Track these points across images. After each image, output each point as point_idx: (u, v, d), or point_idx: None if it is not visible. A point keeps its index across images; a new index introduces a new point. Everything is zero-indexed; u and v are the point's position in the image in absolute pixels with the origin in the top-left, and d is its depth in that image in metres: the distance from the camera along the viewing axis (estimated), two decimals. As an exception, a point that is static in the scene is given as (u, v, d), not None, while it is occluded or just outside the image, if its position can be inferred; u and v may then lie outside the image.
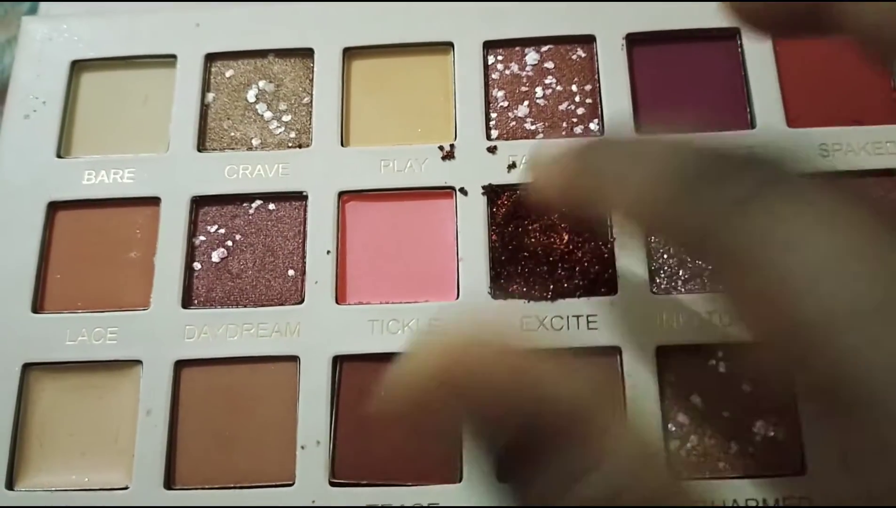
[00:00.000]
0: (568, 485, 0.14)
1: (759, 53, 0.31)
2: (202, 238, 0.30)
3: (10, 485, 0.28)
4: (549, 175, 0.21)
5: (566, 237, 0.29)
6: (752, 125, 0.30)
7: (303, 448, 0.27)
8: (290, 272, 0.30)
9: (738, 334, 0.15)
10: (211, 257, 0.30)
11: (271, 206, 0.31)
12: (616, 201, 0.19)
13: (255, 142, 0.32)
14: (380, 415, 0.15)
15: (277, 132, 0.32)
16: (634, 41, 0.32)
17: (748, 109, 0.31)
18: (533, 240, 0.29)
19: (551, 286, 0.29)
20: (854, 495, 0.24)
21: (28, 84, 0.33)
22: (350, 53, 0.33)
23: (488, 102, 0.32)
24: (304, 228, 0.30)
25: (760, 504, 0.26)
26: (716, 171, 0.16)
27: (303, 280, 0.29)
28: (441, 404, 0.15)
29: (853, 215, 0.14)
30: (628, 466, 0.14)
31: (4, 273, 0.30)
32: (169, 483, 0.27)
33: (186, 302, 0.29)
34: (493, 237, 0.29)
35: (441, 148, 0.31)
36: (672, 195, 0.17)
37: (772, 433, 0.27)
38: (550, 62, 0.32)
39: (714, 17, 0.31)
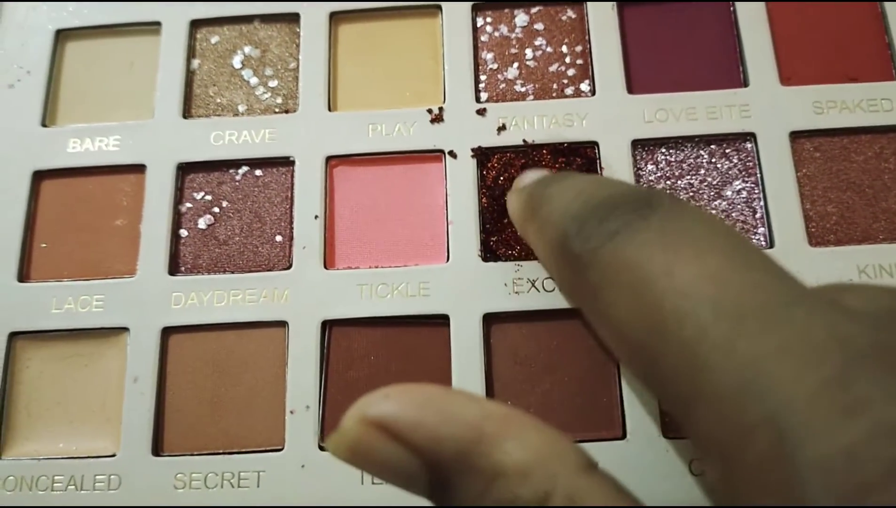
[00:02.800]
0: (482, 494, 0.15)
1: (751, 12, 0.31)
2: (188, 205, 0.30)
3: (-3, 454, 0.27)
4: (511, 199, 0.26)
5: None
6: (745, 84, 0.30)
7: (292, 412, 0.27)
8: (278, 238, 0.29)
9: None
10: (198, 224, 0.30)
11: (258, 172, 0.30)
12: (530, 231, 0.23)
13: (241, 108, 0.31)
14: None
15: (264, 98, 0.31)
16: (625, 1, 0.31)
17: (741, 68, 0.30)
18: None
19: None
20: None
21: (12, 53, 0.32)
22: (337, 18, 0.32)
23: (477, 64, 0.31)
24: (292, 193, 0.30)
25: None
26: (601, 210, 0.19)
27: (290, 246, 0.29)
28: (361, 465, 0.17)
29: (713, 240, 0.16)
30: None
31: (-11, 242, 0.29)
32: (157, 450, 0.27)
33: (173, 269, 0.29)
34: (484, 200, 0.29)
35: (430, 111, 0.30)
36: (566, 233, 0.19)
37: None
38: (540, 23, 0.32)
39: (705, -25, 0.30)
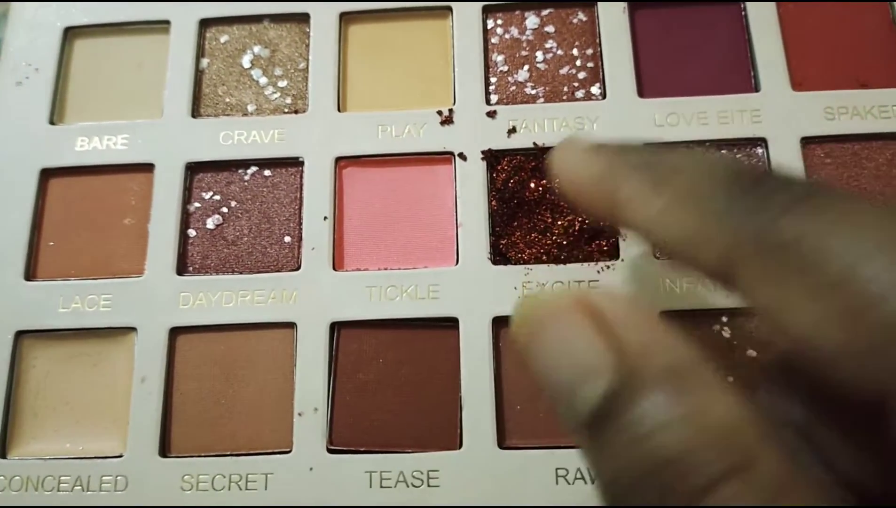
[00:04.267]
0: None
1: (763, 16, 0.31)
2: (197, 205, 0.30)
3: (2, 454, 0.27)
4: (575, 167, 0.20)
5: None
6: (756, 89, 0.30)
7: (300, 414, 0.27)
8: (287, 239, 0.29)
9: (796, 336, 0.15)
10: (206, 224, 0.30)
11: (267, 172, 0.30)
12: (638, 223, 0.18)
13: (250, 108, 0.31)
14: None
15: (273, 98, 0.31)
16: (637, 4, 0.31)
17: (752, 73, 0.30)
18: (534, 199, 0.29)
19: (553, 252, 0.28)
20: None
21: (21, 51, 0.32)
22: (346, 18, 0.32)
23: (488, 66, 0.31)
24: (301, 194, 0.30)
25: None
26: (758, 182, 0.16)
27: (299, 247, 0.29)
28: None
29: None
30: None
31: (-4, 240, 0.29)
32: (164, 451, 0.27)
33: (181, 269, 0.29)
34: (493, 203, 0.29)
35: (440, 113, 0.30)
36: (707, 214, 0.16)
37: (776, 398, 0.26)
38: (551, 26, 0.31)
39: (717, -21, 0.30)
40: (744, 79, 0.30)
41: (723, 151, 0.29)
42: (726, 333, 0.27)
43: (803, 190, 0.15)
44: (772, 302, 0.15)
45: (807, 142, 0.29)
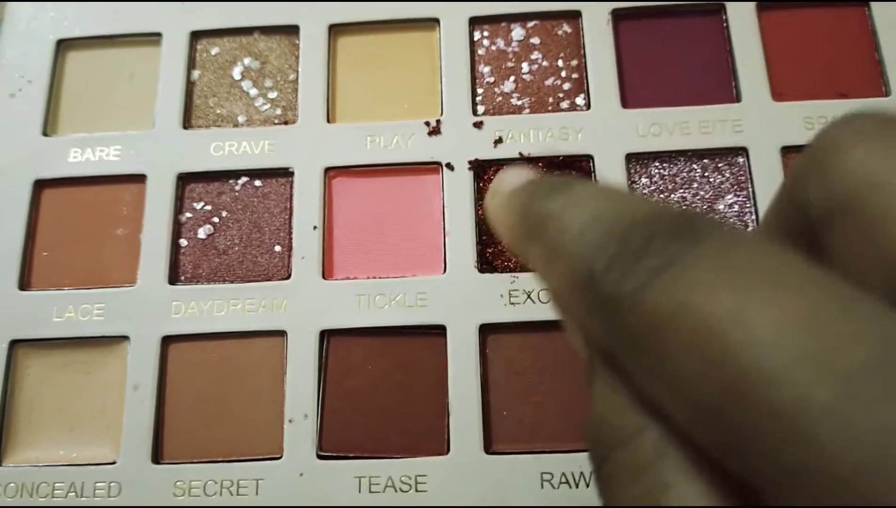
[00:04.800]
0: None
1: (744, 28, 0.31)
2: (188, 215, 0.30)
3: (-2, 461, 0.28)
4: (495, 207, 0.21)
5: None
6: (738, 99, 0.30)
7: (290, 421, 0.27)
8: (277, 248, 0.30)
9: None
10: (197, 234, 0.30)
11: (257, 182, 0.31)
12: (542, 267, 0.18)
13: (241, 119, 0.32)
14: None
15: (263, 109, 0.32)
16: (620, 16, 0.32)
17: (734, 83, 0.31)
18: None
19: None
20: None
21: (14, 63, 0.33)
22: (336, 30, 0.33)
23: (474, 77, 0.32)
24: (291, 204, 0.30)
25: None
26: (633, 238, 0.15)
27: (289, 256, 0.29)
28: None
29: (792, 274, 0.13)
30: None
31: (-9, 251, 0.30)
32: (157, 458, 0.27)
33: (173, 278, 0.29)
34: (480, 212, 0.29)
35: (427, 124, 0.31)
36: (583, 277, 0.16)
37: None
38: (536, 38, 0.32)
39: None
40: (725, 89, 0.31)
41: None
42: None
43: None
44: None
45: (787, 151, 0.29)
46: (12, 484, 0.27)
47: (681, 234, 0.14)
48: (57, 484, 0.27)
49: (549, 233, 0.18)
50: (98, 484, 0.27)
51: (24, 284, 0.30)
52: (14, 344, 0.29)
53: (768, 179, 0.29)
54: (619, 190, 0.19)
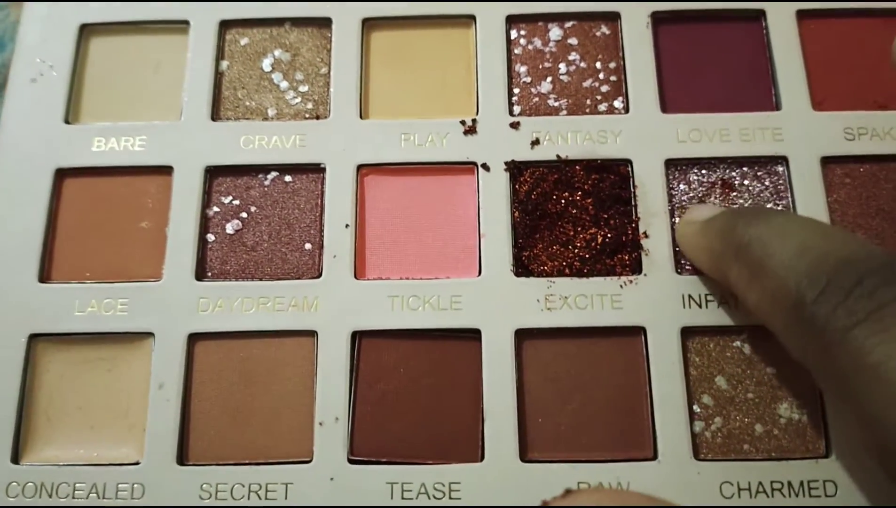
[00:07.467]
0: None
1: (784, 35, 0.31)
2: (216, 209, 0.30)
3: (15, 459, 0.27)
4: (693, 233, 0.25)
5: (591, 212, 0.29)
6: (777, 107, 0.30)
7: (321, 424, 0.27)
8: (307, 246, 0.29)
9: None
10: (225, 229, 0.29)
11: (288, 178, 0.30)
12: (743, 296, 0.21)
13: (270, 112, 0.31)
14: None
15: (294, 103, 0.31)
16: (659, 20, 0.31)
17: (773, 91, 0.30)
18: (556, 211, 0.29)
19: (576, 265, 0.28)
20: (878, 478, 0.24)
21: (34, 47, 0.32)
22: (369, 24, 0.32)
23: (511, 77, 0.31)
24: (322, 201, 0.29)
25: (785, 487, 0.25)
26: (844, 276, 0.16)
27: (320, 254, 0.29)
28: None
29: None
30: None
31: (10, 241, 0.29)
32: (182, 459, 0.27)
33: (200, 274, 0.29)
34: (516, 214, 0.29)
35: (463, 123, 0.30)
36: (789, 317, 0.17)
37: (796, 416, 0.26)
38: (574, 38, 0.31)
39: (741, -3, 0.31)
40: (765, 97, 0.30)
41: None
42: (746, 349, 0.27)
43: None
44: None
45: (827, 161, 0.29)
46: (31, 484, 0.26)
47: (888, 281, 0.15)
48: (78, 485, 0.26)
49: (754, 255, 0.19)
50: (121, 486, 0.26)
51: (45, 276, 0.29)
52: (33, 338, 0.28)
53: (807, 189, 0.29)
54: (826, 227, 0.21)
